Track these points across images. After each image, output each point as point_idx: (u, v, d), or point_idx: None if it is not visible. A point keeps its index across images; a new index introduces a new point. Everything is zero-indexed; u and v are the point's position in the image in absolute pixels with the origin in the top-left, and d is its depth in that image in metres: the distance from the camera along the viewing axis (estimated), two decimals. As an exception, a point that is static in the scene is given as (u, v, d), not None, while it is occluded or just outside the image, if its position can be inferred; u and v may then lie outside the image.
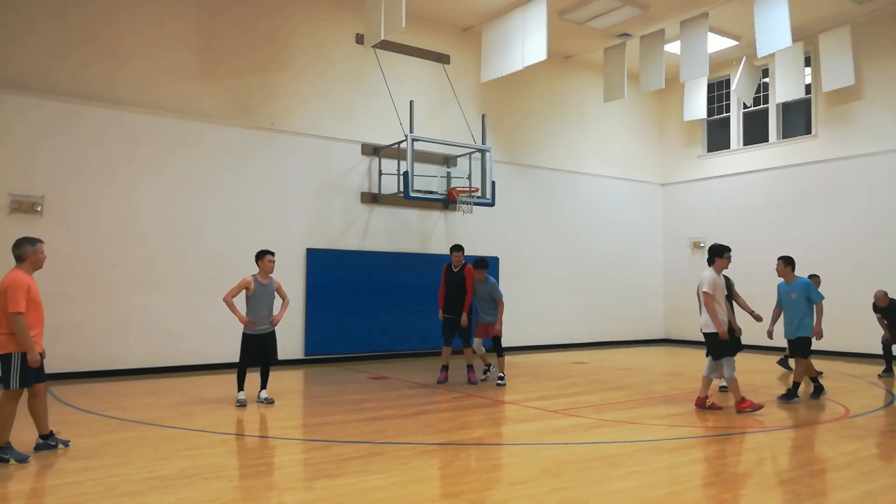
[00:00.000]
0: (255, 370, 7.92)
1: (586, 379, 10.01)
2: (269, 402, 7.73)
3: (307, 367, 11.34)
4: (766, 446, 5.92)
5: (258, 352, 7.69)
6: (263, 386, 7.88)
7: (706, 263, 7.83)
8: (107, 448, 5.57)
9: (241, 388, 7.68)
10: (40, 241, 5.55)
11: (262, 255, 7.81)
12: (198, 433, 6.17)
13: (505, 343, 14.06)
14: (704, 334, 7.51)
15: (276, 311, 7.90)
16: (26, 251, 5.40)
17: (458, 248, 9.52)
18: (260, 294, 7.67)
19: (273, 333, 7.82)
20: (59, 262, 9.61)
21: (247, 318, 7.61)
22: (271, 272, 7.83)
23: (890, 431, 6.63)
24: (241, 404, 7.51)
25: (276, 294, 7.90)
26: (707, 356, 7.74)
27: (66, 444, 5.64)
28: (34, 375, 5.34)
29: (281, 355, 11.26)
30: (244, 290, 7.63)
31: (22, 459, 5.15)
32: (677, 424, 6.64)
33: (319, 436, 6.17)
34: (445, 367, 9.49)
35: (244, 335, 7.69)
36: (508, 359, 12.66)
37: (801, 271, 12.44)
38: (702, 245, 16.16)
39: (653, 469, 5.15)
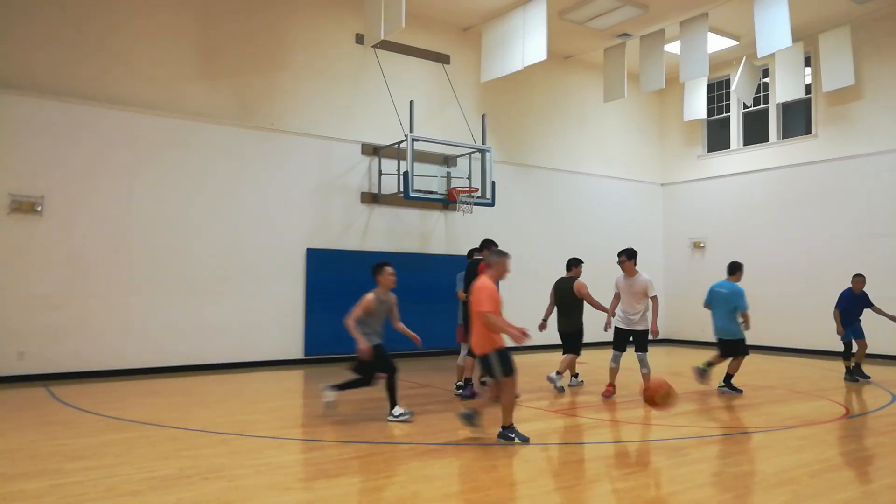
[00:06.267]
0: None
1: (586, 379, 10.00)
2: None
3: (307, 367, 11.35)
4: (766, 446, 5.92)
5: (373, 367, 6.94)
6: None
7: (632, 267, 8.64)
8: (107, 448, 5.57)
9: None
10: (507, 256, 6.13)
11: (380, 269, 7.01)
12: (198, 433, 6.17)
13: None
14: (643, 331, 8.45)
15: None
16: (492, 261, 6.09)
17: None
18: (380, 312, 6.96)
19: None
20: (59, 262, 9.62)
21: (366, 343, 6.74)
22: (392, 286, 7.05)
23: (890, 431, 6.63)
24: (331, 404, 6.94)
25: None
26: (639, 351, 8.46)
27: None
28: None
29: (281, 355, 11.37)
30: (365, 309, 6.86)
31: (525, 440, 5.76)
32: (677, 424, 6.64)
33: (319, 436, 6.17)
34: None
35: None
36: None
37: (802, 271, 12.44)
38: (702, 245, 16.17)
39: (653, 469, 5.15)
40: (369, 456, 5.35)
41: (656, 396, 6.15)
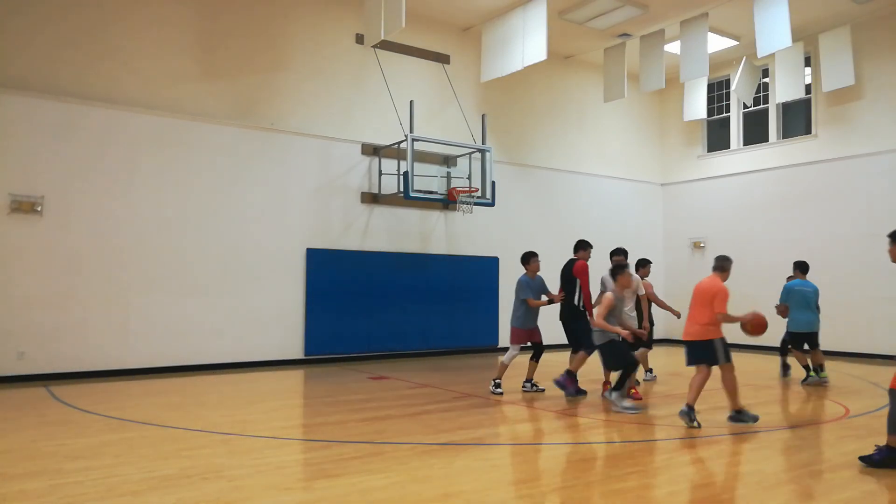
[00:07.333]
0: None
1: (586, 379, 10.00)
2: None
3: (307, 367, 11.35)
4: (766, 446, 5.92)
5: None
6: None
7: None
8: (107, 448, 5.57)
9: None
10: (731, 261, 6.82)
11: (623, 270, 7.63)
12: (198, 433, 6.17)
13: (505, 343, 14.12)
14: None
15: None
16: (727, 265, 6.78)
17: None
18: (618, 309, 7.62)
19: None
20: (59, 262, 9.62)
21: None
22: (630, 286, 7.83)
23: (890, 431, 6.62)
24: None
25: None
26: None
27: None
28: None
29: (281, 355, 11.37)
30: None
31: (754, 419, 6.58)
32: (677, 424, 6.64)
33: (319, 436, 6.17)
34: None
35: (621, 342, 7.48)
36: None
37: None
38: (702, 245, 16.16)
39: (653, 469, 5.15)
40: (369, 456, 5.35)
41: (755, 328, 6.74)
